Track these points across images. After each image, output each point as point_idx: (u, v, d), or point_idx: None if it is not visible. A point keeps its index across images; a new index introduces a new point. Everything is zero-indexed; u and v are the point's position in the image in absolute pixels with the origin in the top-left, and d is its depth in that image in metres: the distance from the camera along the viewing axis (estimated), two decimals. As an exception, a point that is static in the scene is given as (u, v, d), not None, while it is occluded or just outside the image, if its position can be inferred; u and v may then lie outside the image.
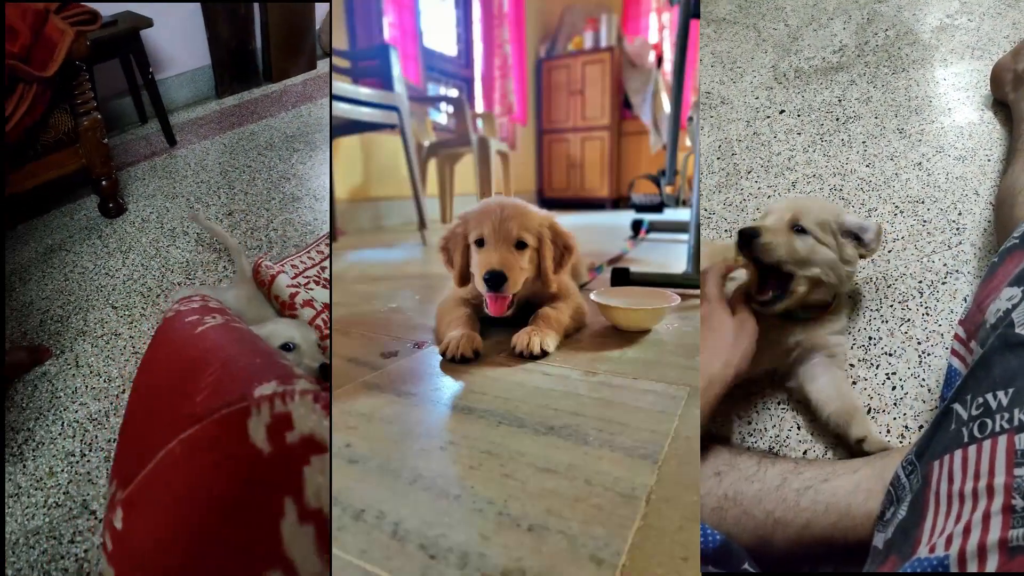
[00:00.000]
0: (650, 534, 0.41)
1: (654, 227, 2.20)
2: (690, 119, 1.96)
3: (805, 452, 0.79)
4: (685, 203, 2.02)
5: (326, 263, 1.39)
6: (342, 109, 1.91)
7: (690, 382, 0.71)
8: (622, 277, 1.18)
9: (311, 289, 1.26)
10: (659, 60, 4.02)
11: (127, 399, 0.97)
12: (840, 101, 1.35)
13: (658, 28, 4.12)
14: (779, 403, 0.85)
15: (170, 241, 1.60)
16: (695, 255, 1.18)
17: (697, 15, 1.47)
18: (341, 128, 2.18)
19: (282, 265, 1.33)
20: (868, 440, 0.74)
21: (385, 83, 2.18)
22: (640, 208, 2.27)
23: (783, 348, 0.81)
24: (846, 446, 0.77)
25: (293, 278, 1.25)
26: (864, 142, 1.23)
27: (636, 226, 2.22)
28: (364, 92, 2.02)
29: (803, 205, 0.79)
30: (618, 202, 4.22)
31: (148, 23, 1.95)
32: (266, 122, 2.26)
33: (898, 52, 1.42)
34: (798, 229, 0.77)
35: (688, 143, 2.17)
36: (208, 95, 2.49)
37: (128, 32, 1.91)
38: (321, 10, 2.65)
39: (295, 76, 2.65)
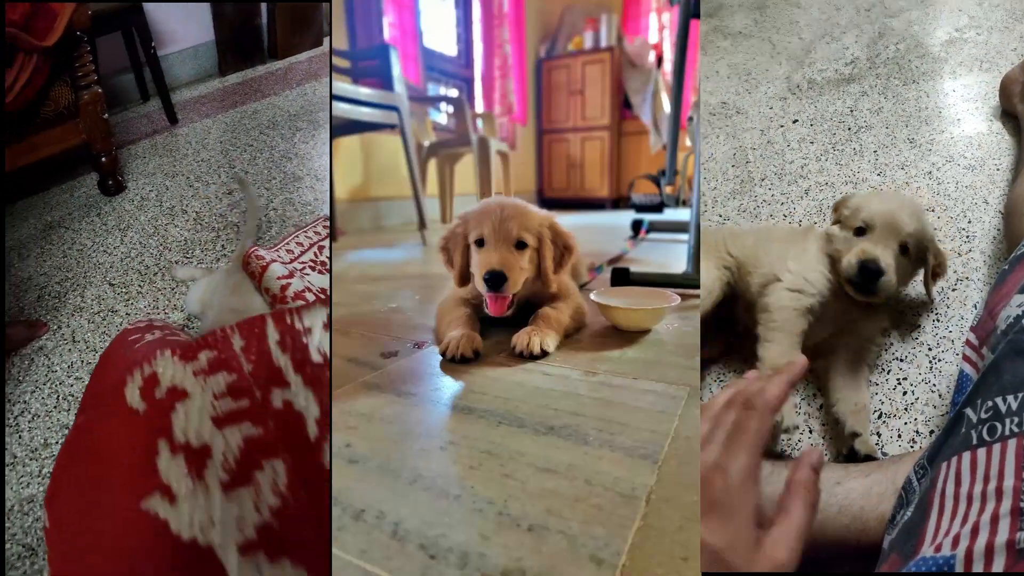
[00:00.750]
0: (650, 534, 0.41)
1: (654, 227, 2.20)
2: (690, 119, 1.96)
3: None
4: (685, 203, 2.02)
5: (324, 243, 1.38)
6: (342, 109, 1.91)
7: (690, 382, 0.71)
8: (622, 277, 1.18)
9: (307, 275, 1.23)
10: (659, 60, 4.02)
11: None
12: (852, 111, 1.38)
13: (658, 28, 4.12)
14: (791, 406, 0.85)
15: (168, 220, 1.60)
16: (695, 255, 1.18)
17: (697, 15, 1.47)
18: (341, 128, 2.18)
19: (277, 249, 1.31)
20: (862, 439, 0.75)
21: (385, 83, 2.18)
22: (640, 208, 2.27)
23: (843, 323, 0.84)
24: (838, 437, 0.78)
25: (288, 263, 1.23)
26: (875, 151, 1.25)
27: (636, 226, 2.22)
28: (364, 92, 2.02)
29: (907, 223, 0.79)
30: (618, 202, 4.22)
31: (151, -5, 1.90)
32: (269, 100, 2.24)
33: (908, 64, 1.45)
34: (903, 249, 0.79)
35: (688, 143, 2.17)
36: (211, 72, 2.45)
37: (131, 5, 1.88)
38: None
39: (301, 53, 2.58)
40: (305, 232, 1.42)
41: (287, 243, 1.37)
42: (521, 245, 0.87)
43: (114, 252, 1.50)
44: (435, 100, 3.44)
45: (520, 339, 0.82)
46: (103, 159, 1.65)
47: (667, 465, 0.51)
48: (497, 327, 0.91)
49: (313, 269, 1.29)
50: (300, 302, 1.12)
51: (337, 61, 2.38)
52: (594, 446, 0.55)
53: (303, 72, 2.46)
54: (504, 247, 0.85)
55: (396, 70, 2.16)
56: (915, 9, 1.61)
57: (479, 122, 3.29)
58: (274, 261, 1.18)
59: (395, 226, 3.03)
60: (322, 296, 1.16)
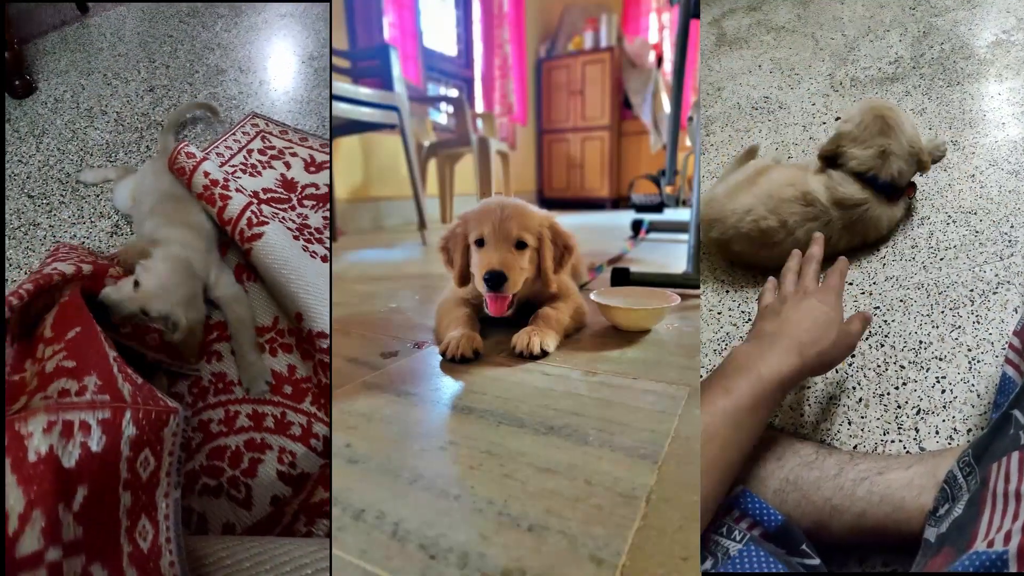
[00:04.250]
0: (650, 534, 0.41)
1: (654, 227, 2.20)
2: (690, 119, 1.96)
3: (855, 447, 0.80)
4: (685, 203, 2.02)
5: (252, 145, 1.36)
6: (342, 109, 1.90)
7: (690, 382, 0.71)
8: (622, 277, 1.18)
9: (239, 178, 1.20)
10: (659, 60, 4.02)
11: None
12: (894, 111, 1.38)
13: (658, 28, 4.12)
14: (831, 398, 0.86)
15: (87, 122, 1.49)
16: (695, 255, 1.18)
17: (697, 15, 1.47)
18: (341, 128, 2.18)
19: (207, 153, 1.27)
20: None
21: (385, 83, 2.18)
22: (640, 208, 2.27)
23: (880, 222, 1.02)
24: None
25: (220, 167, 1.18)
26: (918, 152, 1.25)
27: (636, 226, 2.22)
28: (364, 92, 2.02)
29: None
30: (618, 202, 4.22)
31: None
32: (186, -16, 2.09)
33: (953, 65, 1.43)
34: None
35: (688, 143, 2.17)
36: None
37: None
38: None
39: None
40: (233, 135, 1.38)
41: (216, 147, 1.34)
42: (521, 245, 0.87)
43: (30, 161, 1.37)
44: (435, 100, 3.44)
45: (520, 339, 0.82)
46: (5, 54, 1.46)
47: (667, 465, 0.51)
48: (497, 327, 0.91)
49: (244, 172, 1.26)
50: (240, 195, 1.08)
51: (337, 61, 2.38)
52: (594, 446, 0.55)
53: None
54: (504, 247, 0.85)
55: (396, 70, 2.16)
56: (961, 9, 1.58)
57: (479, 122, 3.29)
58: (205, 159, 1.13)
59: (395, 226, 3.03)
60: (252, 198, 1.10)
